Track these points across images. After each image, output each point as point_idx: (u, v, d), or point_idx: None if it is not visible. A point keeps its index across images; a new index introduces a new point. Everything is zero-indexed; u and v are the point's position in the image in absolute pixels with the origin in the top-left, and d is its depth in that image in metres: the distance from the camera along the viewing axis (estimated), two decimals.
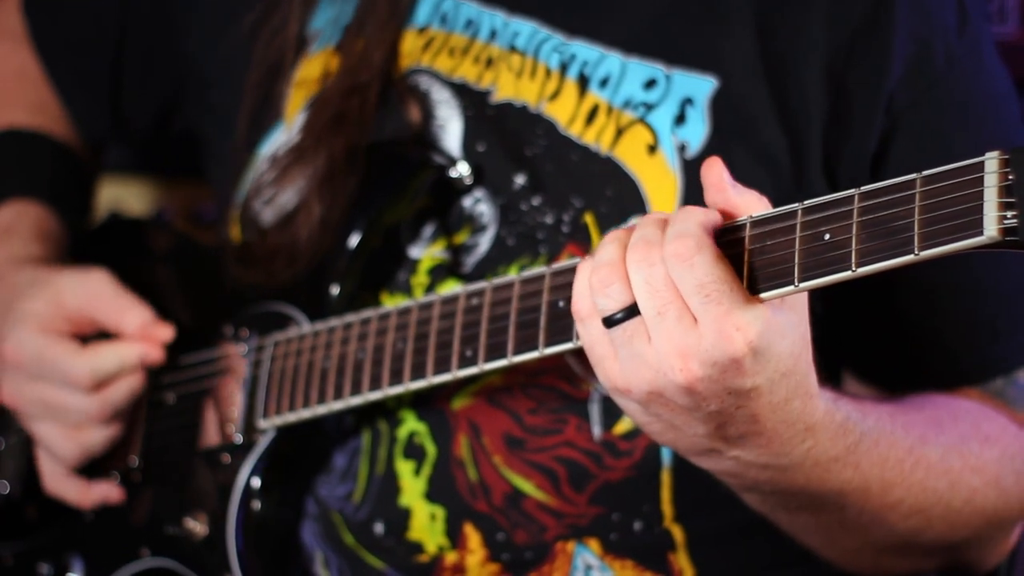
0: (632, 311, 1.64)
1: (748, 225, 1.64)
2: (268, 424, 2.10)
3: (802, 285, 1.60)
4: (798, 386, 1.68)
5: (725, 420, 1.68)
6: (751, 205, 1.67)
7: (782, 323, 1.64)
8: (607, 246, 1.67)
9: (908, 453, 1.87)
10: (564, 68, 2.07)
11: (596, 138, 2.04)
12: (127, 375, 2.15)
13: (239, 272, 2.19)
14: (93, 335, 2.17)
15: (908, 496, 1.88)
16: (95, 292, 2.17)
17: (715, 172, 1.68)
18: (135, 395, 2.17)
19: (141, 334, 2.15)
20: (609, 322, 1.65)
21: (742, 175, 1.97)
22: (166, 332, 2.16)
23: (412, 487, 2.07)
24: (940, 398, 2.01)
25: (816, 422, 1.73)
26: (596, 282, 1.65)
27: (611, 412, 2.02)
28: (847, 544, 1.95)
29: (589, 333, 1.69)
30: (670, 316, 1.62)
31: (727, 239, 1.65)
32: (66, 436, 2.18)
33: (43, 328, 2.15)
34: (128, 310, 2.16)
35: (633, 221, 2.00)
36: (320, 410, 2.05)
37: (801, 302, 1.66)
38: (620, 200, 2.02)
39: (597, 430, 2.03)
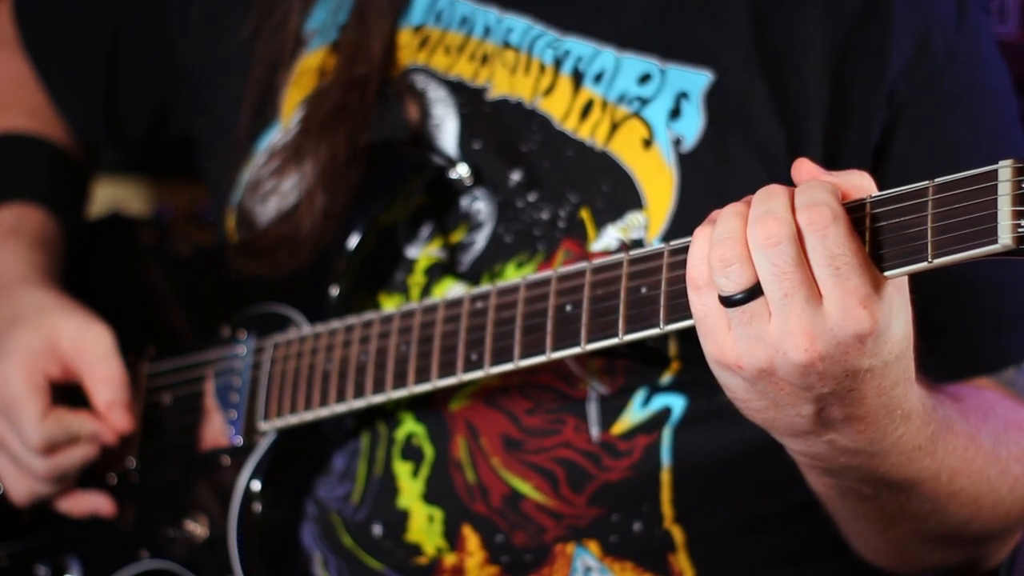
0: (755, 292, 1.58)
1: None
2: (269, 426, 2.09)
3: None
4: (906, 370, 1.65)
5: (833, 402, 1.63)
6: (859, 185, 1.62)
7: (899, 304, 1.60)
8: (727, 220, 1.60)
9: (970, 441, 1.85)
10: (558, 64, 2.07)
11: (591, 133, 2.04)
12: (81, 445, 2.16)
13: (242, 264, 2.19)
14: (75, 383, 2.18)
15: (969, 485, 1.85)
16: (88, 349, 2.17)
17: (806, 168, 1.63)
18: (86, 463, 2.17)
19: (105, 412, 2.15)
20: (729, 302, 1.59)
21: (738, 169, 1.98)
22: (126, 423, 2.16)
23: (410, 488, 2.07)
24: (968, 389, 1.99)
25: (912, 408, 1.70)
26: (715, 259, 1.58)
27: (609, 412, 2.02)
28: (900, 533, 1.92)
29: (703, 304, 1.62)
30: (798, 298, 1.56)
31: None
32: (16, 476, 2.20)
33: (29, 368, 2.16)
34: (105, 383, 2.16)
35: (630, 216, 2.00)
36: (322, 412, 2.04)
37: (906, 286, 1.62)
38: (616, 195, 2.01)
39: (595, 431, 2.02)
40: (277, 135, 2.21)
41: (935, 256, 1.53)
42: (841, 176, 1.61)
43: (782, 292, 1.56)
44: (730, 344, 1.61)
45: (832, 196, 1.57)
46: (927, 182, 1.55)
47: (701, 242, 1.62)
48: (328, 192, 2.11)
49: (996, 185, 1.50)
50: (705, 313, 1.62)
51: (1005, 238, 1.49)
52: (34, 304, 2.21)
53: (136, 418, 2.21)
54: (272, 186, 2.18)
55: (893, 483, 1.78)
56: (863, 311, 1.56)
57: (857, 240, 1.56)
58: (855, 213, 1.59)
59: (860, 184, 1.61)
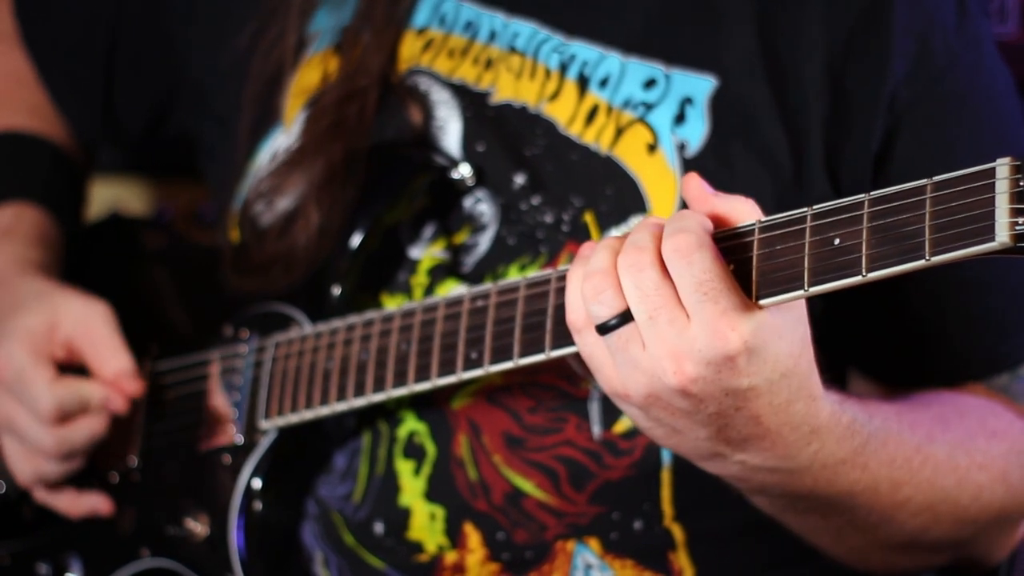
0: (625, 317, 1.65)
1: (757, 230, 1.65)
2: (270, 425, 2.10)
3: (812, 290, 1.61)
4: (800, 388, 1.68)
5: (726, 422, 1.68)
6: (740, 211, 1.68)
7: (779, 323, 1.64)
8: (597, 254, 1.67)
9: (916, 451, 1.87)
10: (564, 68, 2.08)
11: (596, 138, 2.05)
12: (89, 417, 2.14)
13: (236, 281, 2.19)
14: (79, 364, 2.17)
15: (917, 494, 1.88)
16: (90, 325, 2.16)
17: (693, 186, 1.70)
18: (95, 438, 2.15)
19: (114, 382, 2.14)
20: (603, 329, 1.66)
21: (742, 174, 1.98)
22: (136, 387, 2.14)
23: (412, 487, 2.08)
24: (946, 395, 2.01)
25: (821, 424, 1.73)
26: (588, 290, 1.66)
27: (611, 411, 2.02)
28: (856, 543, 1.96)
29: (586, 343, 1.71)
30: (662, 319, 1.62)
31: (734, 243, 1.66)
32: (24, 458, 2.19)
33: (33, 347, 2.16)
34: (111, 355, 2.15)
35: (634, 220, 2.01)
36: (323, 411, 2.05)
37: (799, 304, 1.66)
38: (620, 199, 2.02)
39: (597, 429, 2.03)
40: (279, 140, 2.22)
41: (933, 254, 1.54)
42: (726, 200, 1.68)
43: (647, 314, 1.63)
44: (616, 376, 1.69)
45: (698, 225, 1.63)
46: (925, 180, 1.56)
47: (574, 283, 1.70)
48: (324, 209, 2.11)
49: (994, 183, 1.51)
50: (590, 351, 1.71)
51: (1003, 236, 1.50)
52: (33, 291, 2.21)
53: (137, 418, 2.22)
54: (271, 198, 2.18)
55: (825, 498, 1.83)
56: (731, 332, 1.62)
57: (723, 265, 1.62)
58: (739, 239, 1.65)
59: (742, 212, 1.67)
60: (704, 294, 1.61)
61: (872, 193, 1.59)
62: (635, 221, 2.01)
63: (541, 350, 1.82)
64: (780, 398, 1.67)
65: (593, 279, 1.66)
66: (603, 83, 2.06)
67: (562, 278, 1.82)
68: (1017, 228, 1.49)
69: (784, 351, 1.65)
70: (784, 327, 1.65)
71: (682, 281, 1.62)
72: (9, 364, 2.16)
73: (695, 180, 1.70)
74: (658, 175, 2.01)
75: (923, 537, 1.94)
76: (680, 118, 2.02)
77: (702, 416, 1.67)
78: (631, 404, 1.70)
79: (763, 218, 1.66)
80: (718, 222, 1.68)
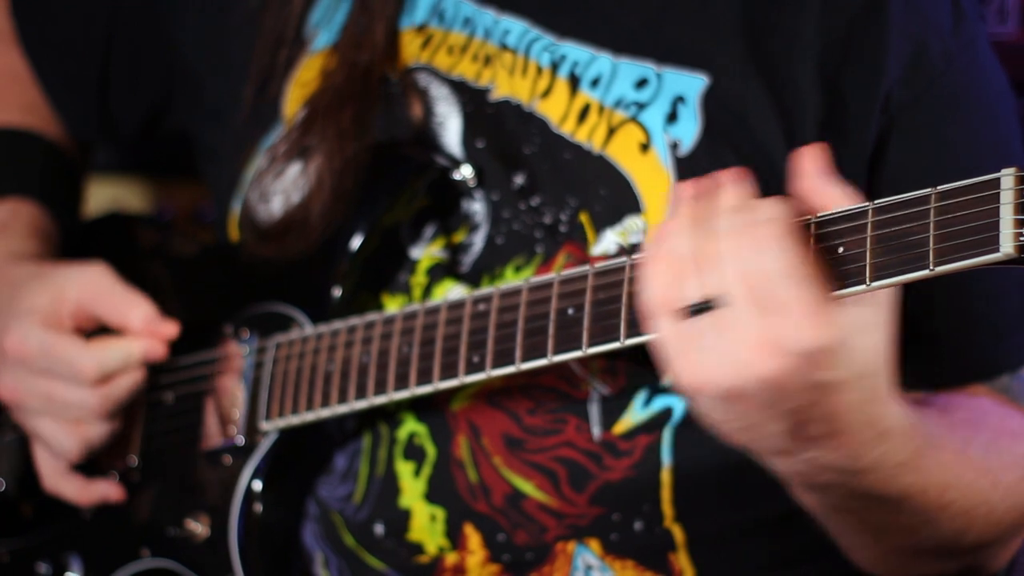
0: (714, 302, 1.59)
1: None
2: (271, 426, 2.10)
3: None
4: (878, 387, 1.66)
5: (804, 418, 1.64)
6: (835, 196, 1.64)
7: (867, 318, 1.61)
8: (681, 235, 1.62)
9: (958, 454, 1.85)
10: (555, 67, 2.08)
11: (588, 137, 2.04)
12: (130, 371, 2.14)
13: (252, 247, 2.19)
14: (94, 330, 2.17)
15: (959, 498, 1.86)
16: (96, 286, 2.16)
17: (807, 162, 1.66)
18: (136, 391, 2.16)
19: (146, 330, 2.15)
20: (689, 313, 1.60)
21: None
22: (171, 328, 2.15)
23: (412, 488, 2.08)
24: (961, 398, 2.00)
25: (890, 426, 1.71)
26: (676, 272, 1.60)
27: (610, 412, 2.03)
28: (889, 545, 1.93)
29: (664, 328, 1.63)
30: (753, 307, 1.57)
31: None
32: (67, 431, 2.17)
33: (46, 323, 2.15)
34: (132, 305, 2.15)
35: (629, 220, 2.01)
36: (324, 413, 2.05)
37: (887, 300, 1.63)
38: (614, 199, 2.02)
39: (596, 430, 2.03)
40: (280, 135, 2.21)
41: (937, 264, 1.54)
42: (830, 185, 1.64)
43: (741, 298, 1.58)
44: (695, 366, 1.61)
45: (784, 212, 1.59)
46: (929, 190, 1.56)
47: (658, 263, 1.63)
48: (337, 174, 2.10)
49: (998, 193, 1.51)
50: (669, 337, 1.63)
51: (1007, 246, 1.50)
52: (29, 273, 2.21)
53: (137, 417, 2.22)
54: (275, 183, 2.18)
55: (879, 499, 1.80)
56: (823, 321, 1.57)
57: (809, 254, 1.58)
58: (819, 229, 1.61)
59: (837, 197, 1.64)
60: (795, 283, 1.57)
61: (876, 202, 1.59)
62: (630, 221, 2.01)
63: (544, 355, 1.82)
64: (860, 395, 1.64)
65: (682, 261, 1.61)
66: (594, 83, 2.05)
67: (564, 283, 1.82)
68: (1021, 239, 1.49)
69: (870, 346, 1.62)
70: (871, 322, 1.62)
71: (772, 270, 1.57)
72: (26, 344, 2.15)
73: (808, 157, 1.65)
74: (651, 174, 2.01)
75: (958, 541, 1.92)
76: (672, 117, 2.01)
77: (782, 410, 1.63)
78: (707, 396, 1.63)
79: None
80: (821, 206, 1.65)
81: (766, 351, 1.57)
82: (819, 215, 1.62)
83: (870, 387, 1.65)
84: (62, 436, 2.18)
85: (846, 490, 1.77)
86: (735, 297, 1.58)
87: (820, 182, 1.65)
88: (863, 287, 1.58)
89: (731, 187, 1.63)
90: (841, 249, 1.59)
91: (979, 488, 1.89)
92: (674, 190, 1.68)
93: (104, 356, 2.13)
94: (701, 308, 1.59)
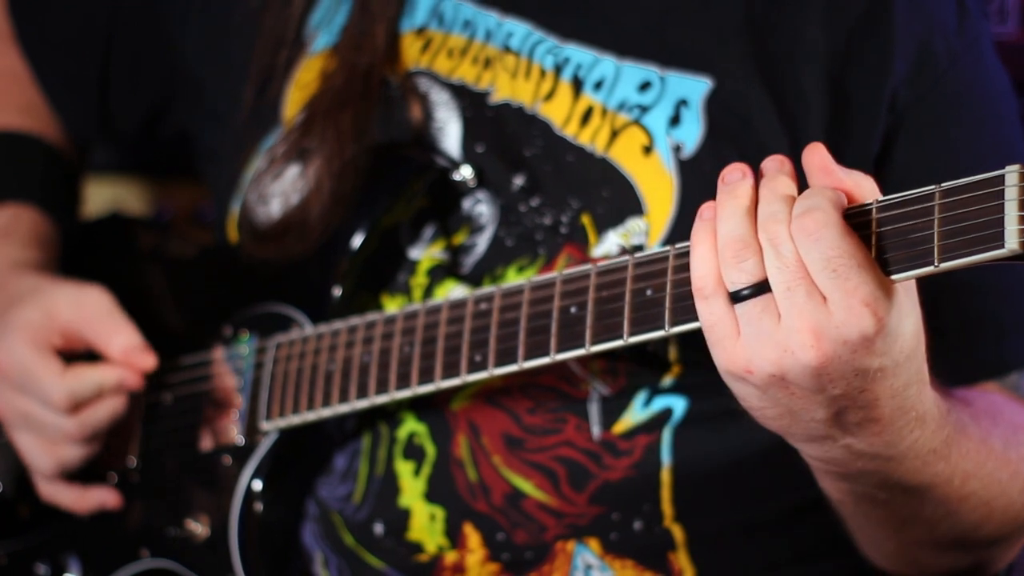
0: (762, 287, 1.60)
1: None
2: (271, 426, 2.10)
3: None
4: (918, 371, 1.66)
5: (847, 405, 1.64)
6: (862, 186, 1.64)
7: (907, 305, 1.61)
8: (732, 219, 1.62)
9: (981, 443, 1.86)
10: (558, 70, 2.08)
11: (591, 139, 2.05)
12: (107, 398, 2.13)
13: (251, 248, 2.18)
14: (82, 352, 2.17)
15: (981, 488, 1.86)
16: (89, 310, 2.16)
17: (818, 155, 1.65)
18: (116, 417, 2.15)
19: (123, 359, 2.13)
20: (737, 297, 1.61)
21: None
22: (149, 361, 2.13)
23: (412, 487, 2.08)
24: (975, 393, 2.00)
25: (926, 411, 1.71)
26: (727, 256, 1.61)
27: (610, 412, 2.03)
28: (909, 537, 1.93)
29: (711, 311, 1.63)
30: (800, 292, 1.58)
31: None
32: (43, 450, 2.18)
33: (33, 340, 2.15)
34: (116, 333, 2.14)
35: (631, 223, 2.01)
36: (325, 413, 2.05)
37: (914, 288, 1.63)
38: (616, 201, 2.02)
39: (596, 430, 2.03)
40: (279, 137, 2.21)
41: (942, 260, 1.54)
42: (848, 174, 1.63)
43: (786, 285, 1.58)
44: (739, 350, 1.62)
45: (827, 202, 1.59)
46: (934, 187, 1.56)
47: (705, 246, 1.64)
48: (335, 177, 2.10)
49: (1003, 190, 1.51)
50: (713, 321, 1.63)
51: (1012, 243, 1.50)
52: (29, 286, 2.21)
53: (136, 418, 2.21)
54: (274, 185, 2.18)
55: (908, 487, 1.79)
56: (866, 310, 1.57)
57: (854, 241, 1.58)
58: (861, 217, 1.60)
59: (864, 185, 1.63)
60: (834, 271, 1.57)
61: (880, 199, 1.59)
62: (632, 223, 2.01)
63: (546, 353, 1.82)
64: (900, 380, 1.64)
65: (733, 245, 1.61)
66: (598, 86, 2.06)
67: (567, 281, 1.82)
68: None
69: (911, 332, 1.62)
70: (912, 308, 1.62)
71: (811, 259, 1.58)
72: (11, 359, 2.15)
73: (820, 151, 1.65)
74: (654, 177, 2.01)
75: (975, 533, 1.93)
76: (675, 120, 2.02)
77: (824, 397, 1.63)
78: (749, 382, 1.63)
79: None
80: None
81: (813, 336, 1.58)
82: (880, 200, 1.61)
83: (912, 370, 1.65)
84: (38, 453, 2.19)
85: (878, 478, 1.77)
86: (784, 283, 1.59)
87: (840, 173, 1.64)
88: None
89: (781, 175, 1.64)
90: None
91: (999, 479, 1.89)
92: (721, 175, 1.67)
93: (76, 384, 2.12)
94: (754, 291, 1.60)
